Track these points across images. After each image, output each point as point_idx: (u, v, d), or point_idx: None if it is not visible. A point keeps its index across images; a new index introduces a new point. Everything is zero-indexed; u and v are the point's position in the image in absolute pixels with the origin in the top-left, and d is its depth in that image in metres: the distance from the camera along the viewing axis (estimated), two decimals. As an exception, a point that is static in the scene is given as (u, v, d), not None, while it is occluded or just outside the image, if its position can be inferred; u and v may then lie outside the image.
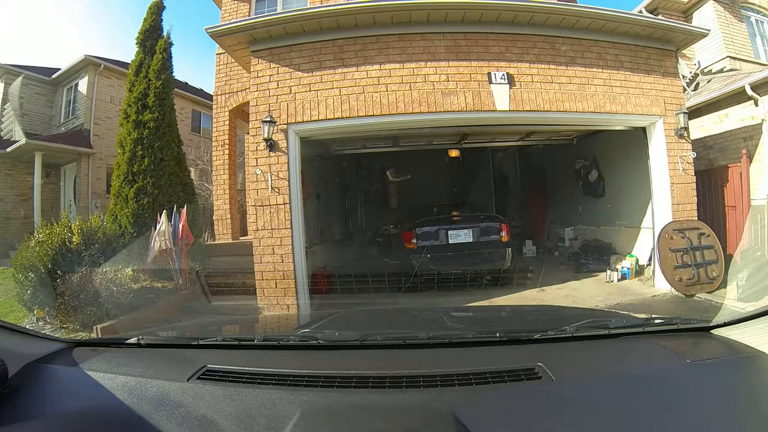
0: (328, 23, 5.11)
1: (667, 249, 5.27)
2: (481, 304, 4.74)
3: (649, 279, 5.90)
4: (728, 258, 5.50)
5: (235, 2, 8.16)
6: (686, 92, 7.51)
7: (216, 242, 7.80)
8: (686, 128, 5.58)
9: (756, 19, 10.21)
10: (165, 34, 7.01)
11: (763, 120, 6.62)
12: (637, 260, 6.34)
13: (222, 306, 5.17)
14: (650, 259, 6.04)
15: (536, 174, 10.31)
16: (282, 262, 4.96)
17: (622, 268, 6.26)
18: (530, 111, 5.27)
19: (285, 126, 5.08)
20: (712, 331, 1.26)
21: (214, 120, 8.32)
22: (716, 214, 6.24)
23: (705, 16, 9.52)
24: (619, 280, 6.08)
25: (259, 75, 5.22)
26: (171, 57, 6.92)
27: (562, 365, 1.05)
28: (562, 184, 9.07)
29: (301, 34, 5.19)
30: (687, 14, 9.99)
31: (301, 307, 4.90)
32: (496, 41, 5.36)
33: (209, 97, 10.62)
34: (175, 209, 5.68)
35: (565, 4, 5.67)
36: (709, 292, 5.21)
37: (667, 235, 5.33)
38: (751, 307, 1.36)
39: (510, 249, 6.04)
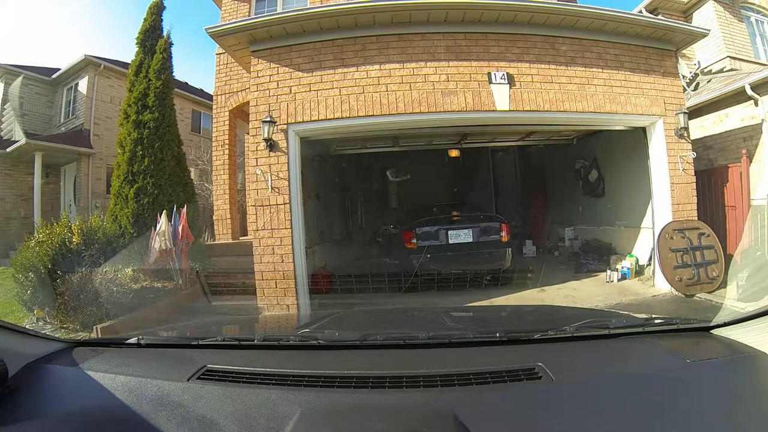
0: (328, 23, 5.11)
1: (667, 249, 5.27)
2: (481, 304, 4.74)
3: (649, 279, 5.90)
4: (728, 258, 5.50)
5: (235, 2, 8.16)
6: (686, 92, 7.51)
7: (216, 242, 7.80)
8: (686, 128, 5.58)
9: (756, 19, 10.21)
10: (165, 34, 7.01)
11: (763, 120, 6.62)
12: (637, 260, 6.34)
13: (222, 306, 5.17)
14: (650, 259, 6.04)
15: (536, 174, 10.31)
16: (282, 262, 4.96)
17: (622, 268, 6.26)
18: (530, 111, 5.27)
19: (285, 126, 5.08)
20: (712, 331, 1.26)
21: (214, 120, 8.31)
22: (716, 214, 6.24)
23: (705, 16, 9.51)
24: (619, 280, 6.07)
25: (259, 75, 5.22)
26: (171, 57, 6.92)
27: (562, 365, 1.05)
28: (562, 184, 9.07)
29: (301, 34, 5.19)
30: (687, 14, 9.99)
31: (301, 307, 4.90)
32: (496, 41, 5.36)
33: (209, 97, 10.62)
34: (175, 209, 5.67)
35: (565, 4, 5.67)
36: (709, 292, 5.21)
37: (667, 235, 5.33)
38: (751, 307, 1.36)
39: (510, 249, 6.04)
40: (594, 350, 1.20)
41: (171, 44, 6.94)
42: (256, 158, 5.11)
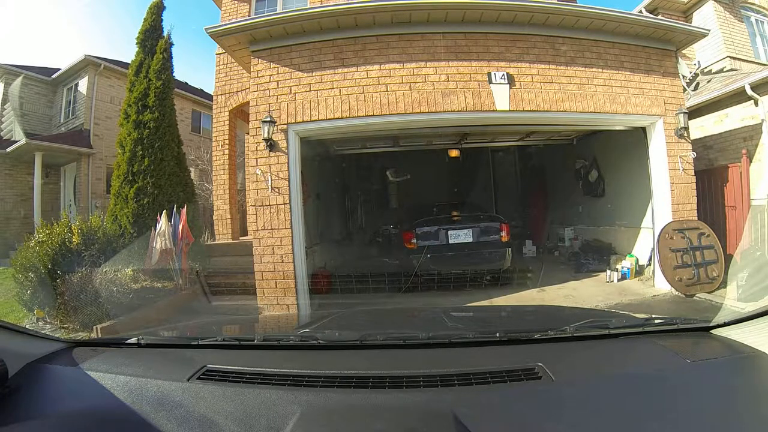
0: (328, 23, 5.11)
1: (667, 249, 5.27)
2: (481, 304, 4.74)
3: (649, 279, 5.89)
4: (728, 258, 5.49)
5: (235, 2, 8.16)
6: (686, 92, 7.50)
7: (216, 242, 7.80)
8: (686, 128, 5.58)
9: (756, 19, 10.21)
10: (165, 34, 7.01)
11: (763, 120, 6.62)
12: (637, 260, 6.34)
13: (222, 306, 5.17)
14: (650, 259, 6.04)
15: (536, 174, 10.31)
16: (282, 262, 4.95)
17: (622, 268, 6.26)
18: (530, 111, 5.27)
19: (285, 126, 5.08)
20: (712, 331, 1.26)
21: (214, 120, 8.32)
22: (716, 214, 6.23)
23: (705, 16, 9.52)
24: (619, 280, 6.07)
25: (259, 75, 5.22)
26: (171, 57, 6.92)
27: (562, 365, 1.05)
28: (562, 184, 9.07)
29: (301, 34, 5.19)
30: (687, 14, 9.99)
31: (301, 307, 4.90)
32: (496, 41, 5.35)
33: (209, 97, 10.62)
34: (175, 209, 5.67)
35: (565, 4, 5.67)
36: (709, 292, 5.21)
37: (667, 235, 5.33)
38: (751, 307, 1.36)
39: (510, 249, 6.04)
40: (594, 350, 1.20)
41: (171, 44, 6.94)
42: (256, 158, 5.11)
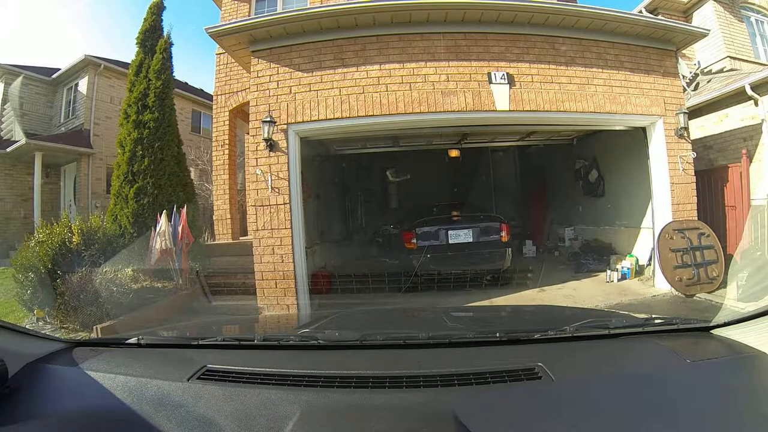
0: (328, 23, 5.11)
1: (667, 249, 5.27)
2: (481, 304, 4.73)
3: (649, 279, 5.90)
4: (728, 258, 5.49)
5: (235, 2, 8.16)
6: (686, 92, 7.51)
7: (216, 242, 7.80)
8: (686, 128, 5.58)
9: (756, 19, 10.21)
10: (165, 34, 7.00)
11: (763, 120, 6.62)
12: (637, 260, 6.34)
13: (222, 306, 5.17)
14: (650, 259, 6.04)
15: (536, 174, 10.31)
16: (282, 262, 4.96)
17: (622, 268, 6.26)
18: (530, 111, 5.27)
19: (285, 126, 5.08)
20: (712, 331, 1.26)
21: (214, 120, 8.32)
22: (716, 214, 6.23)
23: (705, 16, 9.51)
24: (619, 280, 6.07)
25: (259, 75, 5.22)
26: (171, 57, 6.91)
27: (562, 365, 1.05)
28: (562, 184, 9.07)
29: (301, 34, 5.19)
30: (687, 14, 9.99)
31: (301, 307, 4.90)
32: (496, 41, 5.36)
33: (209, 97, 10.62)
34: (175, 209, 5.67)
35: (565, 4, 5.67)
36: (709, 292, 5.21)
37: (667, 235, 5.33)
38: (751, 307, 1.36)
39: (510, 249, 6.04)
40: (594, 350, 1.20)
41: (171, 44, 6.93)
42: (256, 158, 5.11)
